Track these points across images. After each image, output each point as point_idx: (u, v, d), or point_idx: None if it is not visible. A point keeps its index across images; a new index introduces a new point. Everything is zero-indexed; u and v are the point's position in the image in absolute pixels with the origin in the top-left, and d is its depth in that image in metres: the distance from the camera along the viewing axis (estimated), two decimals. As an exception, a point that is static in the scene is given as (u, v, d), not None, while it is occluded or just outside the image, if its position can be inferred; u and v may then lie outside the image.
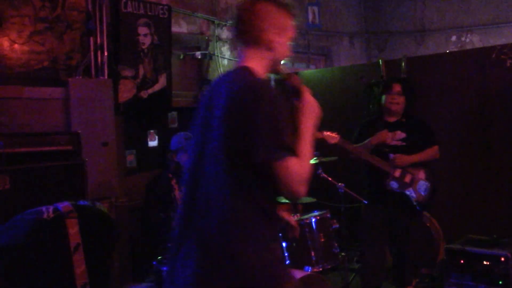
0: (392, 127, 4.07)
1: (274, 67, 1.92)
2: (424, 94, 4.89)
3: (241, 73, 1.83)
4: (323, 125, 4.42)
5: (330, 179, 4.08)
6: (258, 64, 1.87)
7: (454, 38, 6.92)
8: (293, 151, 1.73)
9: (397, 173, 3.98)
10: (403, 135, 4.06)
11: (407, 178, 3.98)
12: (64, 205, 2.59)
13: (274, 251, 1.75)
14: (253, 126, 1.67)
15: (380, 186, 3.98)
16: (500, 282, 3.92)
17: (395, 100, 4.06)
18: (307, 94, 1.93)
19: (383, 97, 4.13)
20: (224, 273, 1.63)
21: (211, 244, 1.68)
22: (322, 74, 6.09)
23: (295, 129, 1.82)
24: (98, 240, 2.50)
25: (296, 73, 6.13)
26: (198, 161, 1.81)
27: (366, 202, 3.92)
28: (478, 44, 6.59)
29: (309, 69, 6.69)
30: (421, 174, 4.01)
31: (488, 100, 4.63)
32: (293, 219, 2.59)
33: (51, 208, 2.46)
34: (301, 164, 1.74)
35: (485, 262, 3.96)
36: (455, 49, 6.65)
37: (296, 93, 1.90)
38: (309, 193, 4.60)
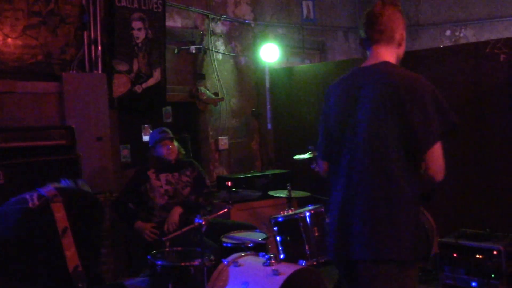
0: None
1: (398, 61, 2.20)
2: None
3: (391, 66, 2.13)
4: (317, 119, 4.45)
5: (324, 173, 4.07)
6: (391, 58, 2.17)
7: (448, 32, 6.94)
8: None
9: None
10: None
11: None
12: (48, 190, 2.52)
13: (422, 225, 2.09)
14: (430, 113, 1.98)
15: None
16: (493, 275, 3.95)
17: None
18: None
19: None
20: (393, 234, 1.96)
21: (379, 216, 1.98)
22: (317, 68, 6.08)
23: None
24: (85, 220, 2.44)
25: (290, 68, 6.14)
26: (346, 140, 2.11)
27: None
28: (472, 39, 6.61)
29: (304, 63, 6.68)
30: None
31: (482, 95, 4.64)
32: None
33: (35, 195, 2.40)
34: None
35: (478, 256, 3.99)
36: (450, 44, 6.67)
37: None
38: (304, 188, 4.64)
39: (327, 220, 2.21)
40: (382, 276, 1.99)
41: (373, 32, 2.20)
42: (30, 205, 2.30)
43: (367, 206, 2.01)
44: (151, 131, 4.38)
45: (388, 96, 2.03)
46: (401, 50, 2.23)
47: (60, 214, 2.27)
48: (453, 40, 6.84)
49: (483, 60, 4.61)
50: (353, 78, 2.20)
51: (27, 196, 2.40)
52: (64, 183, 2.78)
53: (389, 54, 2.19)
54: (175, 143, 4.22)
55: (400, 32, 2.19)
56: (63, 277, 2.25)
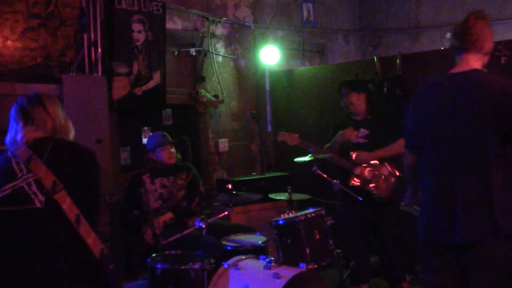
0: (358, 125, 4.18)
1: (483, 67, 2.53)
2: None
3: (485, 74, 2.49)
4: (318, 122, 4.44)
5: (325, 176, 4.07)
6: (479, 66, 2.51)
7: (448, 35, 6.93)
8: None
9: (358, 170, 4.06)
10: (365, 131, 4.14)
11: (369, 175, 4.05)
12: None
13: None
14: None
15: (345, 184, 4.03)
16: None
17: (347, 102, 4.19)
18: None
19: (341, 102, 4.28)
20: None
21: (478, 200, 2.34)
22: (317, 71, 6.08)
23: None
24: (82, 179, 2.22)
25: (290, 71, 6.14)
26: (446, 143, 2.45)
27: (360, 198, 3.93)
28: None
29: (304, 66, 6.68)
30: (385, 170, 4.07)
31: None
32: None
33: (33, 187, 2.16)
34: None
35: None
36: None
37: None
38: (304, 190, 4.64)
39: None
40: None
41: (465, 42, 2.53)
42: (37, 203, 2.11)
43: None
44: (150, 134, 4.37)
45: (486, 100, 2.37)
46: (487, 58, 2.55)
47: (66, 204, 2.11)
48: (453, 42, 6.83)
49: (484, 62, 4.61)
50: (449, 83, 2.53)
51: (26, 188, 2.17)
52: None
53: (477, 62, 2.52)
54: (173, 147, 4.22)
55: (488, 43, 2.52)
56: (94, 266, 2.14)
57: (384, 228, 4.11)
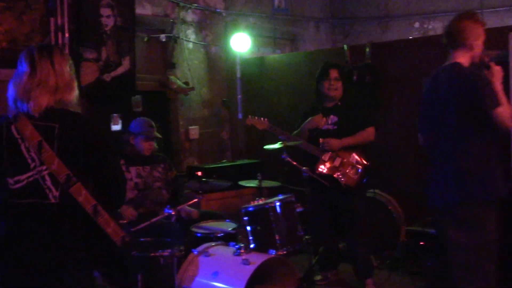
0: (328, 112, 4.16)
1: (474, 60, 2.88)
2: (389, 80, 4.96)
3: (458, 66, 2.86)
4: (289, 109, 4.46)
5: (294, 163, 4.10)
6: (463, 60, 2.87)
7: (417, 24, 7.02)
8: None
9: (326, 156, 4.06)
10: (335, 118, 4.13)
11: (336, 162, 4.06)
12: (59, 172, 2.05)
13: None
14: (480, 91, 2.74)
15: (313, 170, 4.05)
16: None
17: (333, 86, 4.13)
18: (493, 65, 2.87)
19: (320, 84, 4.18)
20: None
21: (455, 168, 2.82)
22: (288, 59, 6.09)
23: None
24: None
25: (261, 58, 6.13)
26: (436, 128, 2.92)
27: (327, 184, 3.98)
28: (440, 31, 6.68)
29: (275, 53, 6.68)
30: (352, 158, 4.08)
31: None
32: None
33: (48, 182, 2.03)
34: (504, 108, 2.75)
35: (444, 244, 4.07)
36: (418, 36, 6.75)
37: (487, 67, 2.88)
38: (274, 177, 4.65)
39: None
40: None
41: (452, 41, 2.91)
42: (51, 198, 2.07)
43: None
44: (138, 118, 4.18)
45: (458, 88, 2.83)
46: (475, 52, 2.88)
47: (81, 196, 2.02)
48: (421, 32, 6.93)
49: (451, 52, 4.69)
50: (437, 75, 2.95)
51: (37, 181, 2.02)
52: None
53: (463, 57, 2.87)
54: (155, 140, 4.12)
55: (473, 41, 2.86)
56: (116, 255, 2.13)
57: (356, 216, 4.11)
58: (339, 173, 4.06)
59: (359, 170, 4.07)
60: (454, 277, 2.83)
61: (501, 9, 6.30)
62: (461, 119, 2.81)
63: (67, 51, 4.24)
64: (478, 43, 2.87)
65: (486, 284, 2.76)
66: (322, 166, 4.08)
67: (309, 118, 4.17)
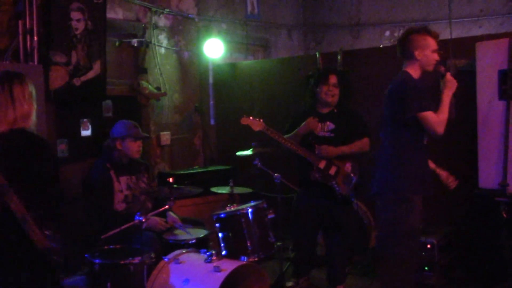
0: (323, 118, 4.10)
1: (426, 69, 3.20)
2: (359, 88, 5.02)
3: (401, 75, 3.22)
4: (261, 115, 4.48)
5: (266, 169, 4.11)
6: (412, 70, 3.21)
7: (387, 33, 7.14)
8: (433, 109, 3.07)
9: (322, 164, 4.01)
10: (332, 126, 4.08)
11: (332, 170, 4.02)
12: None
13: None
14: (405, 95, 3.09)
15: (306, 176, 4.04)
16: (426, 268, 4.12)
17: (331, 92, 4.07)
18: (448, 75, 3.17)
19: (319, 88, 4.13)
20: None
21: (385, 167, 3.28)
22: (260, 65, 6.12)
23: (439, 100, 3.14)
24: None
25: (234, 64, 6.15)
26: (382, 131, 3.34)
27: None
28: (410, 40, 6.82)
29: (248, 59, 6.70)
30: (347, 167, 4.04)
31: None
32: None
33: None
34: (438, 116, 3.06)
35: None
36: (389, 44, 6.87)
37: (442, 76, 3.19)
38: (246, 184, 4.66)
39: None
40: None
41: (400, 52, 3.27)
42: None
43: None
44: (119, 121, 4.07)
45: (389, 94, 3.25)
46: (423, 62, 3.18)
47: (14, 204, 2.25)
48: (392, 40, 7.04)
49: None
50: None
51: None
52: None
53: (409, 67, 3.21)
54: None
55: (418, 51, 3.16)
56: (38, 259, 2.33)
57: (343, 225, 4.09)
58: (334, 182, 4.01)
59: (353, 180, 4.05)
60: (376, 248, 3.42)
61: (468, 19, 6.47)
62: (395, 123, 3.18)
63: (36, 55, 4.18)
64: (425, 53, 3.15)
65: (398, 268, 3.19)
66: (317, 174, 4.02)
67: (304, 122, 4.06)
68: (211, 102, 6.08)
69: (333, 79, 4.10)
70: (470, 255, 4.41)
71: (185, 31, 5.93)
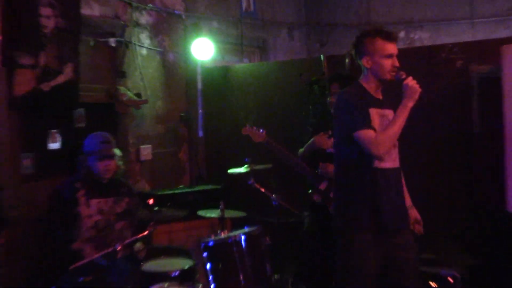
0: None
1: (382, 77, 3.08)
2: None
3: (348, 87, 3.20)
4: (257, 126, 4.46)
5: (263, 190, 4.10)
6: (364, 79, 3.14)
7: (402, 34, 7.18)
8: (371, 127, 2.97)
9: (323, 185, 4.07)
10: None
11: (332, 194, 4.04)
12: None
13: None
14: (339, 112, 3.12)
15: (309, 196, 4.10)
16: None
17: (333, 103, 4.03)
18: (408, 81, 3.02)
19: (328, 99, 4.20)
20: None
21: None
22: (256, 69, 6.13)
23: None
24: None
25: (226, 67, 6.16)
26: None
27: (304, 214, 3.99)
28: (427, 42, 6.87)
29: (242, 62, 6.72)
30: None
31: (437, 103, 4.82)
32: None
33: None
34: (377, 135, 2.95)
35: (432, 284, 4.12)
36: (404, 46, 6.89)
37: (402, 81, 3.05)
38: (239, 207, 4.64)
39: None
40: None
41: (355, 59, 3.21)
42: None
43: None
44: (93, 133, 4.05)
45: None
46: (374, 71, 3.09)
47: None
48: (407, 42, 7.08)
49: (439, 65, 4.80)
50: None
51: None
52: None
53: (363, 76, 3.16)
54: (116, 157, 4.02)
55: (366, 57, 3.08)
56: None
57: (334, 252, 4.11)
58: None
59: None
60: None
61: (492, 19, 6.51)
62: (342, 146, 3.15)
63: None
64: (375, 59, 3.05)
65: None
66: (317, 196, 4.08)
67: (312, 138, 4.14)
68: (200, 111, 6.08)
69: (334, 88, 4.14)
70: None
71: (170, 30, 5.94)
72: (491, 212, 4.39)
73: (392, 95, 3.24)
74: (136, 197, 4.13)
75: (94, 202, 3.86)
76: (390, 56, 3.05)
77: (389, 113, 3.13)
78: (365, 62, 3.08)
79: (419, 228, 3.30)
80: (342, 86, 4.10)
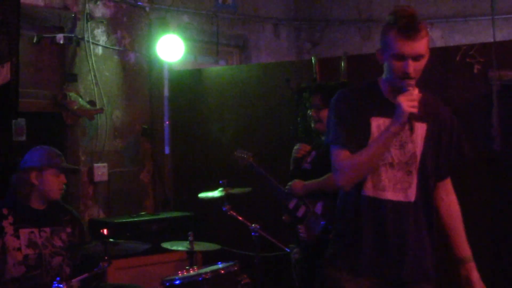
0: (314, 146, 4.26)
1: (392, 84, 2.77)
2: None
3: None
4: (235, 141, 4.46)
5: (240, 218, 4.09)
6: (384, 77, 2.84)
7: (410, 32, 7.24)
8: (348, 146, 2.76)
9: (292, 204, 4.15)
10: (314, 154, 4.20)
11: (300, 212, 4.13)
12: None
13: None
14: (328, 116, 2.93)
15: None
16: None
17: (317, 117, 4.15)
18: (402, 97, 2.65)
19: (309, 112, 4.31)
20: None
21: None
22: (235, 72, 6.15)
23: None
24: None
25: (199, 71, 6.17)
26: None
27: (288, 250, 4.00)
28: (440, 42, 6.94)
29: (218, 65, 6.73)
30: (318, 208, 4.10)
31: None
32: None
33: None
34: (351, 157, 2.72)
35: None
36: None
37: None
38: (212, 238, 4.63)
39: None
40: None
41: None
42: None
43: None
44: (35, 147, 4.07)
45: None
46: (388, 71, 2.78)
47: None
48: (416, 42, 7.14)
49: (453, 70, 4.84)
50: None
51: None
52: None
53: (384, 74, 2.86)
54: None
55: (378, 54, 2.83)
56: None
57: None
58: (299, 227, 4.08)
59: (322, 225, 4.08)
60: None
61: (517, 15, 6.60)
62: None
63: None
64: (385, 56, 2.76)
65: None
66: (285, 215, 4.17)
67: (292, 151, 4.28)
68: (166, 123, 6.07)
69: (315, 100, 4.19)
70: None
71: (131, 25, 5.95)
72: None
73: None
74: (81, 226, 4.10)
75: (24, 232, 3.80)
76: (400, 57, 2.69)
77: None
78: (378, 55, 2.83)
79: None
80: (326, 98, 4.12)
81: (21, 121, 4.97)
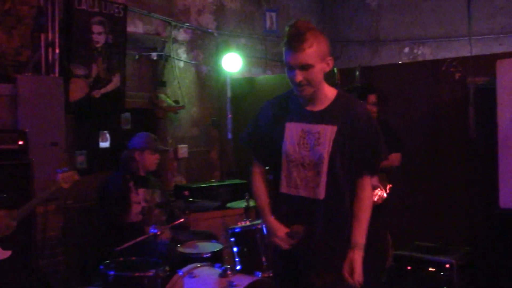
0: None
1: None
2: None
3: None
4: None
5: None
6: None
7: (407, 50, 7.11)
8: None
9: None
10: None
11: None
12: None
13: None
14: None
15: None
16: (445, 288, 4.05)
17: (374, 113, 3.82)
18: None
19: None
20: None
21: None
22: (278, 80, 6.11)
23: None
24: None
25: (252, 78, 6.16)
26: None
27: None
28: (429, 57, 6.79)
29: (266, 74, 6.72)
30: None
31: (438, 111, 4.78)
32: None
33: None
34: (253, 181, 2.56)
35: (430, 269, 4.07)
36: (408, 61, 6.83)
37: None
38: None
39: None
40: None
41: None
42: None
43: None
44: (138, 134, 4.16)
45: None
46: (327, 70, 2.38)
47: None
48: (411, 57, 7.01)
49: (440, 77, 4.76)
50: None
51: None
52: None
53: None
54: None
55: None
56: None
57: None
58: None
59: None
60: None
61: (488, 36, 6.41)
62: None
63: (57, 67, 4.25)
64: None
65: None
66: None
67: None
68: (229, 116, 6.09)
69: (372, 98, 3.95)
70: (490, 276, 4.32)
71: (204, 46, 5.97)
72: (486, 207, 4.33)
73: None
74: (165, 190, 4.19)
75: (141, 191, 3.94)
76: (289, 67, 2.28)
77: (322, 129, 2.31)
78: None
79: (350, 278, 2.30)
80: (379, 96, 4.00)
81: (127, 114, 5.05)
